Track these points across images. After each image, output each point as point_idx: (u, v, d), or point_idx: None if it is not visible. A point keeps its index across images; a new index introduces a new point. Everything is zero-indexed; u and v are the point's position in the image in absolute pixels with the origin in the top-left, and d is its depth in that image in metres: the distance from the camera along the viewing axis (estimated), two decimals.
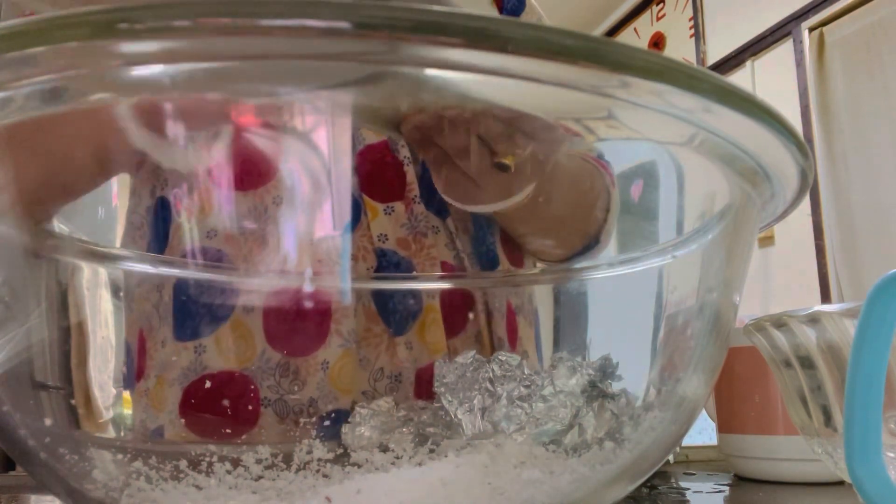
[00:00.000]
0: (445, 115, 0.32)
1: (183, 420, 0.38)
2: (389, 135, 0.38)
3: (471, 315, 0.43)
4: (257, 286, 0.36)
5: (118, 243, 0.35)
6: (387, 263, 0.42)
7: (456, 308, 0.43)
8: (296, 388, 0.39)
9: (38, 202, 0.29)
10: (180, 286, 0.37)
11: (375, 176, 0.43)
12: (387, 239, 0.42)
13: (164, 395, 0.39)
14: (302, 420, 0.39)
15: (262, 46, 0.18)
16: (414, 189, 0.43)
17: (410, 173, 0.44)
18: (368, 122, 0.35)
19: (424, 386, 0.42)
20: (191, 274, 0.36)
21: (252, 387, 0.39)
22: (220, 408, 0.37)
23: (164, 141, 0.24)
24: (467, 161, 0.35)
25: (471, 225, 0.44)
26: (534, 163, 0.34)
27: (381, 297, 0.42)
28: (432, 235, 0.43)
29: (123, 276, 0.35)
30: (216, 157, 0.26)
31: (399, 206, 0.43)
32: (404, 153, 0.44)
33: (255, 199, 0.32)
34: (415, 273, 0.43)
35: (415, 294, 0.43)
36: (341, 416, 0.35)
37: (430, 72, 0.19)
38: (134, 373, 0.38)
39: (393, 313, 0.42)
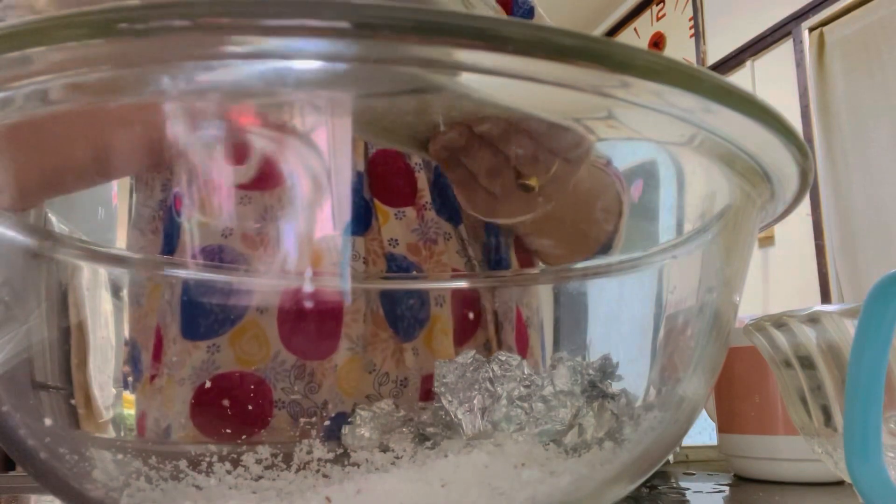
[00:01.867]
0: (477, 131, 0.32)
1: (192, 420, 0.38)
2: (415, 153, 0.38)
3: (477, 322, 0.43)
4: (273, 288, 0.36)
5: (123, 237, 0.35)
6: (396, 268, 0.42)
7: (464, 317, 0.43)
8: (311, 391, 0.39)
9: (32, 196, 0.29)
10: (191, 285, 0.37)
11: (387, 181, 0.43)
12: (397, 244, 0.42)
13: (175, 394, 0.39)
14: (302, 420, 0.39)
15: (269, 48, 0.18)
16: (425, 195, 0.43)
17: (422, 179, 0.44)
18: (393, 141, 0.35)
19: (430, 392, 0.42)
20: (199, 276, 0.36)
21: (265, 388, 0.39)
22: (233, 409, 0.37)
23: (184, 143, 0.24)
24: (493, 181, 0.35)
25: (482, 232, 0.44)
26: (557, 182, 0.34)
27: (389, 303, 0.42)
28: (443, 242, 0.43)
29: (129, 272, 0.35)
30: (227, 158, 0.26)
31: (410, 211, 0.43)
32: (415, 159, 0.44)
33: (271, 199, 0.32)
34: (415, 273, 0.43)
35: (423, 301, 0.43)
36: (343, 420, 0.35)
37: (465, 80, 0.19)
38: (147, 370, 0.38)
39: (401, 319, 0.42)
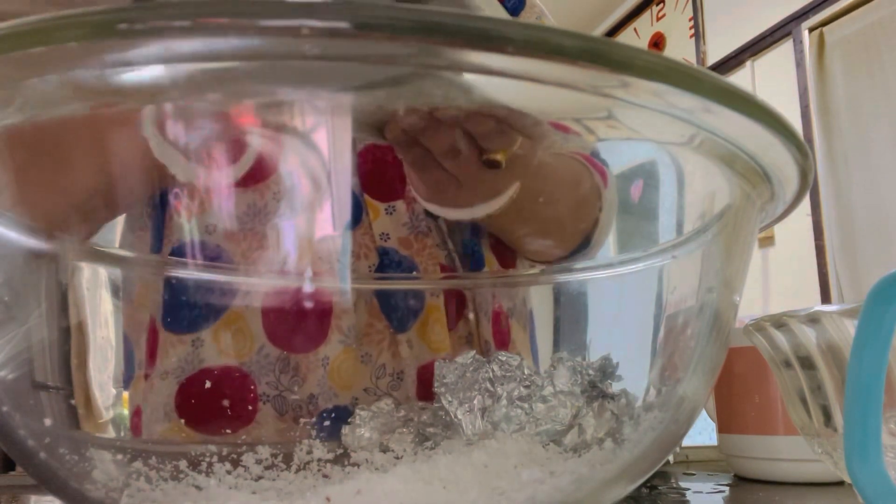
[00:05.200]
0: (436, 115, 0.32)
1: (178, 414, 0.38)
2: (371, 138, 0.37)
3: (470, 315, 0.43)
4: (257, 283, 0.36)
5: (118, 240, 0.35)
6: (388, 261, 0.42)
7: (452, 307, 0.43)
8: (296, 384, 0.39)
9: (68, 223, 0.30)
10: (177, 281, 0.37)
11: (376, 176, 0.43)
12: (388, 238, 0.42)
13: (160, 388, 0.39)
14: (302, 420, 0.39)
15: (263, 47, 0.18)
16: None
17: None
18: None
19: (425, 385, 0.42)
20: (191, 274, 0.36)
21: (250, 382, 0.39)
22: (216, 403, 0.37)
23: (178, 149, 0.24)
24: (452, 161, 0.34)
25: (456, 226, 0.44)
26: (519, 161, 0.33)
27: (383, 294, 0.42)
28: (430, 235, 0.43)
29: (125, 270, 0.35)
30: (218, 155, 0.26)
31: (400, 205, 0.43)
32: None
33: (255, 195, 0.32)
34: (415, 273, 0.43)
35: (417, 292, 0.43)
36: (341, 414, 0.35)
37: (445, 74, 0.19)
38: (141, 367, 0.38)
39: (395, 310, 0.42)
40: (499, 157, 0.33)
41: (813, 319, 0.30)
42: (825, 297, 2.19)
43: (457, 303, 0.43)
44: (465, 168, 0.34)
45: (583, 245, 0.38)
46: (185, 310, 0.38)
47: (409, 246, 0.43)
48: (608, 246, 0.38)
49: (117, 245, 0.34)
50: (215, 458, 0.28)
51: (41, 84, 0.19)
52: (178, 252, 0.35)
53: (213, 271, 0.35)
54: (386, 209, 0.43)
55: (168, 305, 0.38)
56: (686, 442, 0.63)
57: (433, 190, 0.38)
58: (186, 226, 0.32)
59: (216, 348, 0.39)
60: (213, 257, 0.34)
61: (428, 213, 0.43)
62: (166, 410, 0.38)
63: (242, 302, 0.38)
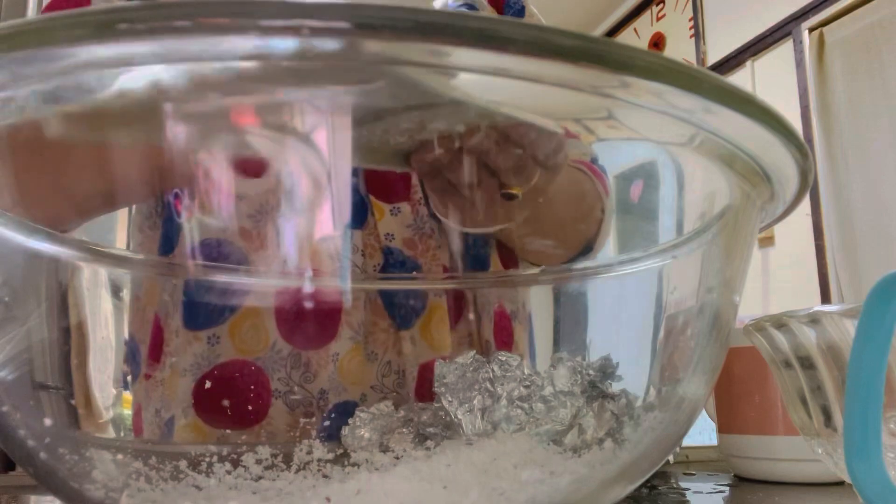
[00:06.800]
0: (466, 146, 0.32)
1: (195, 410, 0.38)
2: (397, 168, 0.38)
3: (471, 316, 0.44)
4: (269, 285, 0.37)
5: (123, 237, 0.35)
6: (393, 261, 0.43)
7: (454, 307, 0.43)
8: (307, 380, 0.40)
9: (67, 218, 0.30)
10: (191, 280, 0.37)
11: (381, 178, 0.43)
12: (393, 238, 0.43)
13: (177, 385, 0.39)
14: (307, 420, 0.39)
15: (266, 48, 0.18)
16: (419, 191, 0.44)
17: (415, 176, 0.44)
18: (377, 160, 0.35)
19: (427, 383, 0.42)
20: (200, 276, 0.36)
21: (263, 378, 0.39)
22: (231, 399, 0.37)
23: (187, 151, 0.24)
24: (473, 191, 0.35)
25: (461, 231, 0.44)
26: (537, 190, 0.34)
27: (387, 293, 0.43)
28: (435, 237, 0.44)
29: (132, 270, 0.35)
30: (222, 156, 0.26)
31: (405, 207, 0.44)
32: None
33: (266, 194, 0.32)
34: (415, 274, 0.43)
35: (420, 292, 0.43)
36: (349, 408, 0.35)
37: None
38: (144, 365, 0.38)
39: (398, 308, 0.43)
40: (515, 191, 0.34)
41: (813, 319, 0.30)
42: (825, 297, 2.19)
43: (459, 302, 0.44)
44: (484, 197, 0.35)
45: (585, 251, 0.38)
46: (202, 306, 0.39)
47: (413, 247, 0.43)
48: (608, 246, 0.38)
49: (126, 245, 0.34)
50: (215, 458, 0.28)
51: (41, 84, 0.19)
52: (193, 250, 0.35)
53: (228, 269, 0.35)
54: (391, 210, 0.43)
55: (184, 303, 0.38)
56: (686, 442, 0.63)
57: (451, 211, 0.39)
58: (198, 225, 0.32)
59: (232, 344, 0.40)
60: (227, 255, 0.35)
61: (432, 216, 0.44)
62: (183, 407, 0.38)
63: (257, 298, 0.39)
